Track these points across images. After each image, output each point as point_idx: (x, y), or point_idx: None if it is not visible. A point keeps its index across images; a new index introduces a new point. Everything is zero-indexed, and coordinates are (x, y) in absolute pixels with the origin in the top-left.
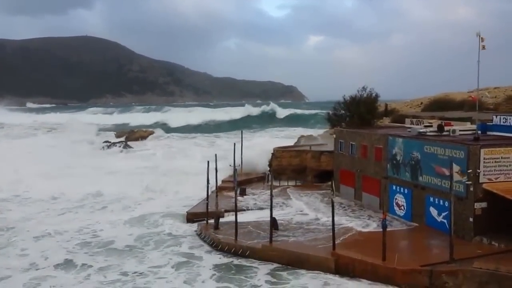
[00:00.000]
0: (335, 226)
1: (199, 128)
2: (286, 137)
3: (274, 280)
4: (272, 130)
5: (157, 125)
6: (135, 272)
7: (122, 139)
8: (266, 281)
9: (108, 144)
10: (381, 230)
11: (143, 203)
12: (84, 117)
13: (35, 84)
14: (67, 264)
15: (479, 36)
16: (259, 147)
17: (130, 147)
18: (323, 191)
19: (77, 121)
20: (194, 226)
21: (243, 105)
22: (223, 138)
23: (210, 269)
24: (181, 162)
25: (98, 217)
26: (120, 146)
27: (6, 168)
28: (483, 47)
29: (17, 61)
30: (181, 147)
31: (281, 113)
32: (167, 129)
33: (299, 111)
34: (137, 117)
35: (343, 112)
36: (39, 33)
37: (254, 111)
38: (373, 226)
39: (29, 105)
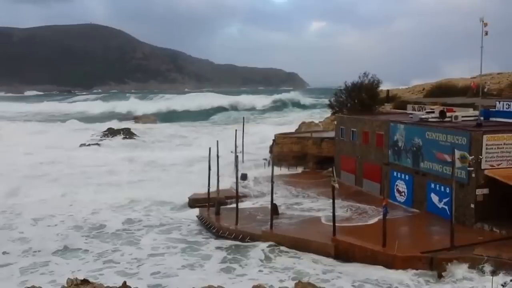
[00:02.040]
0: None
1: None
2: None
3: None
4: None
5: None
6: (133, 256)
7: (128, 124)
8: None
9: (111, 131)
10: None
11: (148, 190)
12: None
13: (41, 72)
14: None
15: (482, 21)
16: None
17: (134, 134)
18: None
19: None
20: (196, 212)
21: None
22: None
23: (211, 252)
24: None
25: (99, 203)
26: (122, 134)
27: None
28: (486, 33)
29: (23, 49)
30: (185, 135)
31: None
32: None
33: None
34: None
35: (345, 98)
36: (44, 21)
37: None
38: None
39: (27, 93)
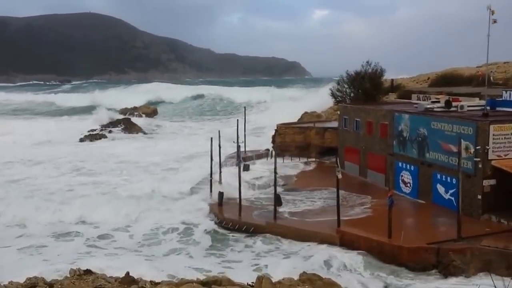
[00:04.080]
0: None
1: None
2: None
3: None
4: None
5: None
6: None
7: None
8: None
9: (110, 122)
10: None
11: (151, 181)
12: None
13: (40, 61)
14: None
15: (490, 9)
16: None
17: (134, 124)
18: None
19: None
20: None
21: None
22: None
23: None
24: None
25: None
26: (121, 126)
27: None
28: (494, 21)
29: (21, 39)
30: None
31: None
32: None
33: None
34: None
35: (347, 87)
36: (42, 10)
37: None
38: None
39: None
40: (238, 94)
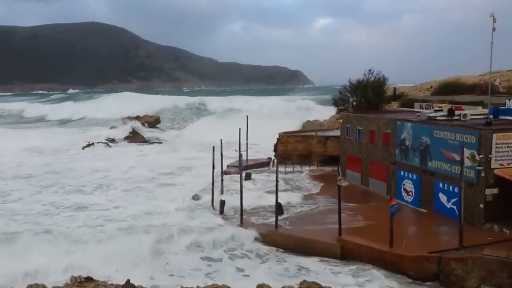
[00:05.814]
0: None
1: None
2: None
3: None
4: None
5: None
6: None
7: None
8: None
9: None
10: None
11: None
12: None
13: (44, 70)
14: None
15: (493, 17)
16: None
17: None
18: None
19: None
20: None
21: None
22: None
23: None
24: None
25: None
26: (124, 135)
27: None
28: (494, 29)
29: (26, 48)
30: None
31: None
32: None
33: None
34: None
35: (350, 96)
36: (47, 19)
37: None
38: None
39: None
40: (221, 103)
